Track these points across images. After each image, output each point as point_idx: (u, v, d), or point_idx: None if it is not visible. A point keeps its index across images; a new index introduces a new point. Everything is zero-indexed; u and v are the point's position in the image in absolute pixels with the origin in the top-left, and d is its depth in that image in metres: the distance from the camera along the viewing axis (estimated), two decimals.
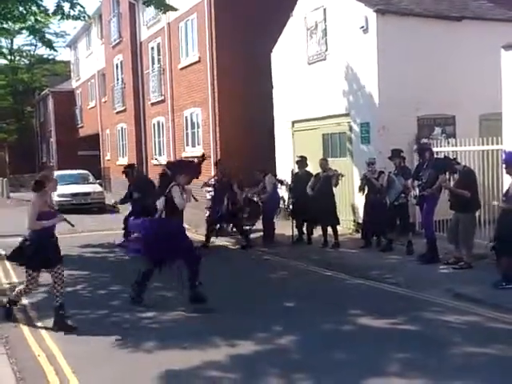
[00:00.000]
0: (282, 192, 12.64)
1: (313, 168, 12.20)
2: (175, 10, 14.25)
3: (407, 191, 9.98)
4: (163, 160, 7.92)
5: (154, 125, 22.72)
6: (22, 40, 55.20)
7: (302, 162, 12.05)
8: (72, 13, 12.59)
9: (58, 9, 12.50)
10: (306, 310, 7.25)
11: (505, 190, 8.19)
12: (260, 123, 15.90)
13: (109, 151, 28.66)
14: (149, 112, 23.11)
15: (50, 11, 12.80)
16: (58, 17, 12.83)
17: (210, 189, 12.88)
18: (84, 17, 13.08)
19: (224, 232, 13.46)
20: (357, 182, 11.90)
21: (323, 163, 11.55)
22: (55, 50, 15.28)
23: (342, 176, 11.41)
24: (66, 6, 12.47)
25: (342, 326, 6.55)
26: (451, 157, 9.79)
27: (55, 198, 21.30)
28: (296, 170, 12.24)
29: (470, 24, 12.44)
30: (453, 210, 9.07)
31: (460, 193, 8.76)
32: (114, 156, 27.54)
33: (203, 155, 8.58)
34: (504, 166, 8.10)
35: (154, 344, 6.11)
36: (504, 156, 8.14)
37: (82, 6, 12.62)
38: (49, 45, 14.04)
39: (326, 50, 13.37)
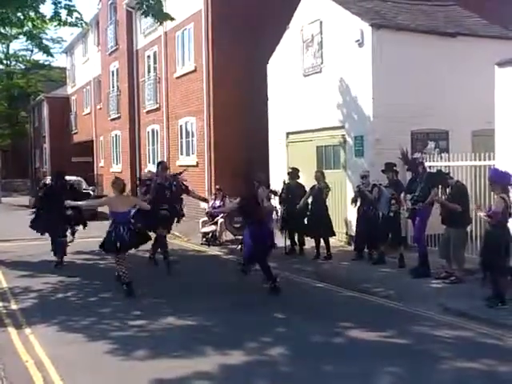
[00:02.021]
0: (275, 203, 12.64)
1: (307, 180, 12.23)
2: (173, 19, 14.27)
3: (400, 204, 10.01)
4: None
5: (148, 133, 22.72)
6: (18, 45, 55.25)
7: (293, 173, 12.09)
8: (69, 20, 12.60)
9: (55, 15, 12.50)
10: (297, 321, 7.24)
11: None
12: (255, 134, 15.92)
13: (103, 158, 28.62)
14: (143, 120, 23.12)
15: (47, 17, 12.80)
16: (55, 23, 12.81)
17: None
18: (81, 24, 13.08)
19: (216, 242, 13.47)
20: (350, 195, 11.94)
21: (318, 175, 11.58)
22: (52, 56, 15.26)
23: (328, 190, 11.45)
24: (63, 13, 12.48)
25: (332, 339, 6.54)
26: (444, 171, 9.85)
27: None
28: (287, 181, 12.27)
29: (465, 40, 12.57)
30: (444, 224, 9.11)
31: (452, 207, 8.81)
32: (107, 163, 27.50)
33: None
34: (489, 183, 8.16)
35: (143, 352, 6.07)
36: (490, 173, 8.20)
37: (79, 13, 12.64)
38: (46, 50, 14.02)
39: (322, 63, 13.46)
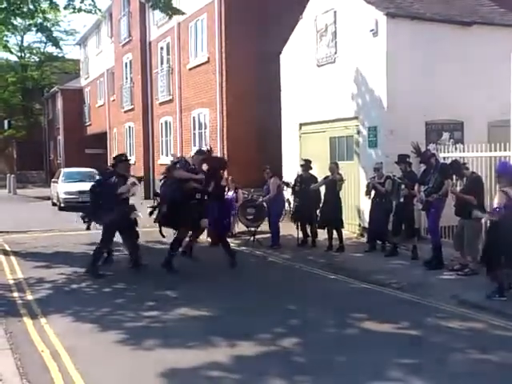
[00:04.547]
0: (288, 194, 12.63)
1: (320, 171, 12.19)
2: (182, 13, 14.25)
3: (409, 188, 9.95)
4: None
5: (161, 124, 22.78)
6: (32, 37, 55.53)
7: (306, 165, 12.04)
8: (83, 7, 12.64)
9: (69, 2, 12.56)
10: (309, 312, 7.24)
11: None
12: (268, 125, 15.90)
13: (116, 150, 28.74)
14: (157, 111, 23.16)
15: (62, 6, 12.88)
16: (69, 11, 12.86)
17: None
18: (95, 10, 13.09)
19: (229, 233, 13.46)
20: (363, 186, 11.89)
21: (332, 167, 11.50)
22: (61, 49, 15.34)
23: (342, 181, 11.38)
24: (77, 0, 12.54)
25: (344, 330, 6.54)
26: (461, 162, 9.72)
27: (62, 195, 21.49)
28: (300, 173, 12.24)
29: (481, 29, 12.40)
30: (458, 216, 9.04)
31: (466, 198, 8.72)
32: None
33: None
34: (496, 175, 8.05)
35: (157, 342, 6.11)
36: (498, 165, 8.10)
37: (92, 0, 12.68)
38: (55, 43, 14.09)
39: (336, 53, 13.37)
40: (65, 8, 12.76)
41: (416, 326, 6.59)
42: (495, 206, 7.38)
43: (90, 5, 12.63)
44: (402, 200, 10.10)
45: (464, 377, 5.20)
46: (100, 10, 14.20)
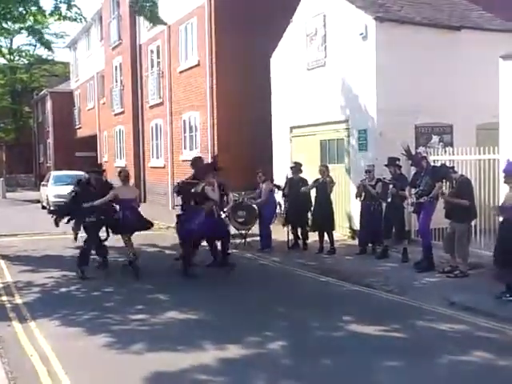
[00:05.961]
0: (279, 197, 12.63)
1: (311, 174, 12.21)
2: (165, 24, 14.34)
3: (402, 194, 10.00)
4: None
5: (152, 127, 22.73)
6: (21, 40, 55.27)
7: (295, 167, 12.07)
8: (69, 14, 12.66)
9: (56, 9, 12.56)
10: (299, 315, 7.24)
11: (501, 200, 8.22)
12: (258, 128, 15.91)
13: (106, 153, 28.65)
14: (147, 114, 23.11)
15: (48, 12, 12.86)
16: (55, 17, 12.87)
17: None
18: (81, 19, 13.11)
19: None
20: (353, 189, 11.93)
21: (322, 170, 11.53)
22: (52, 51, 15.45)
23: (333, 184, 11.41)
24: (63, 8, 12.54)
25: (333, 333, 6.53)
26: (449, 165, 9.80)
27: (51, 198, 21.35)
28: (290, 176, 12.25)
29: (469, 33, 12.50)
30: (448, 218, 9.08)
31: (459, 203, 8.75)
32: (111, 158, 27.52)
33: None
34: (503, 175, 8.11)
35: (144, 346, 6.09)
36: (505, 166, 8.15)
37: (78, 8, 12.70)
38: (47, 45, 14.05)
39: (325, 57, 13.41)
40: (50, 15, 12.77)
41: (406, 329, 6.61)
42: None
43: (76, 13, 12.65)
44: (389, 200, 10.14)
45: (450, 379, 5.23)
46: (85, 19, 14.19)
